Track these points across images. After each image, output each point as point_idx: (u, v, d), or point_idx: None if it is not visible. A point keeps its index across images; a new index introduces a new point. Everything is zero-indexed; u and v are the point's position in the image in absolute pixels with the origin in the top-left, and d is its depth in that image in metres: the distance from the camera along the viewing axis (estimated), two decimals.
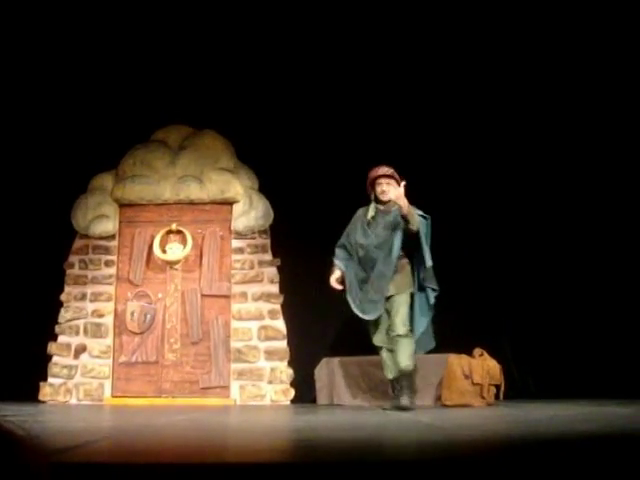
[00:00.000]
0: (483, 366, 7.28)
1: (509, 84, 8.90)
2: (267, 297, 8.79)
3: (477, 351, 7.49)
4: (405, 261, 6.66)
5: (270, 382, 8.57)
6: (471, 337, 7.82)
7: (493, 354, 7.50)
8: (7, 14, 8.30)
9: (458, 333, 8.09)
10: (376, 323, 6.63)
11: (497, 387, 7.33)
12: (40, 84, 9.03)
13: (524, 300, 8.64)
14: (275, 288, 8.85)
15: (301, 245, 8.84)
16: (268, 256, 8.93)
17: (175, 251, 8.91)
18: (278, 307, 8.79)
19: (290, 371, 8.61)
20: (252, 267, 8.88)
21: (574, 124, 8.88)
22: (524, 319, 8.63)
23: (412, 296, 6.62)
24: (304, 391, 8.58)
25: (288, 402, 8.48)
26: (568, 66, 8.72)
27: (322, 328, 8.85)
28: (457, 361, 7.36)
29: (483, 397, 7.21)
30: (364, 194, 8.94)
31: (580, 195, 8.78)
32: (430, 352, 7.40)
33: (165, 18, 8.65)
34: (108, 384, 8.61)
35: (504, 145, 8.97)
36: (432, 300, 6.66)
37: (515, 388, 8.00)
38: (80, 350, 8.72)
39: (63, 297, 8.86)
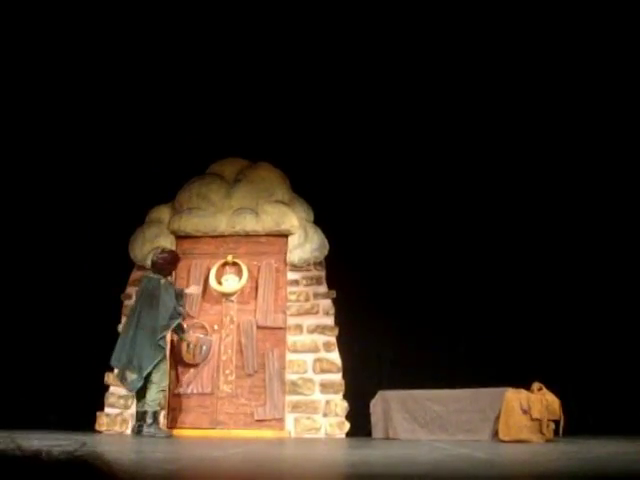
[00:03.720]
0: (542, 401, 7.15)
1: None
2: (322, 329, 8.78)
3: (536, 385, 7.37)
4: None
5: (325, 415, 8.52)
6: (529, 371, 7.70)
7: (552, 388, 7.36)
8: (69, 51, 8.52)
9: (516, 367, 7.98)
10: None
11: (556, 422, 7.19)
12: (99, 119, 9.20)
13: (583, 334, 8.49)
14: (330, 320, 8.83)
15: (356, 277, 8.83)
16: (323, 288, 8.92)
17: (231, 283, 8.96)
18: (333, 339, 8.76)
19: (345, 404, 8.55)
20: (307, 299, 8.88)
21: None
22: (583, 353, 8.48)
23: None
24: (359, 424, 8.50)
25: (343, 435, 8.42)
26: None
27: (377, 361, 8.80)
28: (515, 396, 7.24)
29: (542, 433, 7.08)
30: (418, 224, 8.96)
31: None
32: (487, 386, 7.33)
33: (221, 53, 8.76)
34: (163, 415, 8.63)
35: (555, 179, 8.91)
36: None
37: (574, 424, 7.82)
38: None
39: (120, 328, 8.94)
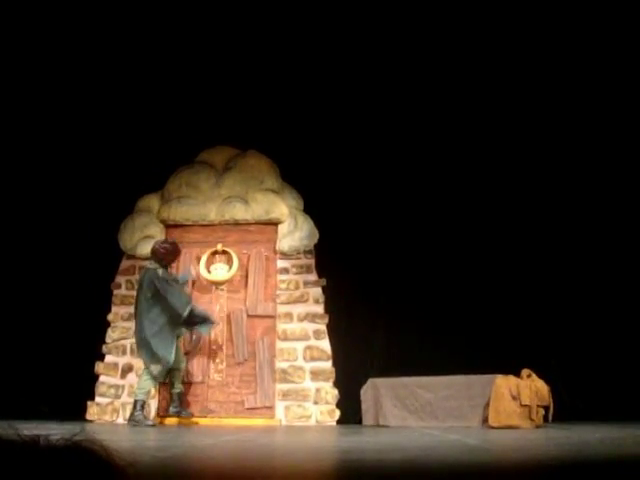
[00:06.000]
0: (531, 387, 7.19)
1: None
2: (312, 317, 8.79)
3: (525, 372, 7.40)
4: None
5: (315, 403, 8.54)
6: (519, 357, 7.74)
7: (541, 375, 7.39)
8: (57, 39, 8.48)
9: (506, 353, 8.01)
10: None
11: (546, 408, 7.23)
12: (88, 107, 9.16)
13: (573, 320, 8.52)
14: (320, 308, 8.84)
15: (346, 265, 8.84)
16: (313, 276, 8.93)
17: (220, 271, 8.95)
18: (323, 327, 8.77)
19: (335, 392, 8.57)
20: (297, 287, 8.88)
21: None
22: (573, 339, 8.51)
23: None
24: (350, 412, 8.53)
25: (334, 423, 8.44)
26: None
27: (367, 348, 8.83)
28: (504, 382, 7.28)
29: (531, 419, 7.12)
30: (407, 213, 8.96)
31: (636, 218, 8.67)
32: (477, 373, 7.36)
33: (210, 42, 8.73)
34: (154, 404, 8.64)
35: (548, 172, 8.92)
36: None
37: (564, 409, 7.85)
38: (127, 370, 8.78)
39: (110, 317, 8.94)
